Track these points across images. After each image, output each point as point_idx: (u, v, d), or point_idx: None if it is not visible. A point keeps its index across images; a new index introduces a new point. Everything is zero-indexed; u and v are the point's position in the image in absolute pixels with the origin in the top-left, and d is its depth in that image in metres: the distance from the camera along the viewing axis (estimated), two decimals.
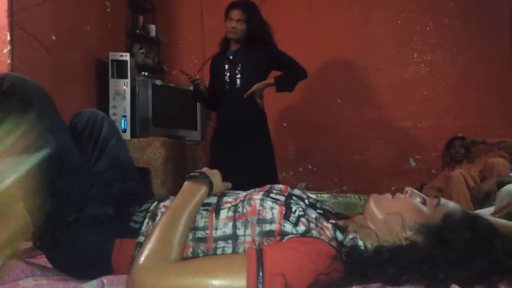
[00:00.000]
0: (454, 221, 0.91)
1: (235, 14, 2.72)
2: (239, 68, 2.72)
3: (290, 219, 0.95)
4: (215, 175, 1.10)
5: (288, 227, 0.93)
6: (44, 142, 1.08)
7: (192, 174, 1.06)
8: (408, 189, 1.02)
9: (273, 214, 0.95)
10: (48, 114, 1.14)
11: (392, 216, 0.96)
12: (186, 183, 1.04)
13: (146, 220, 1.06)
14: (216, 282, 0.79)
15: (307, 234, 0.92)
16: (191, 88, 2.93)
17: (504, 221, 1.12)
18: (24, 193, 1.13)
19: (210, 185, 1.05)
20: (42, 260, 1.24)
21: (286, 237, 0.91)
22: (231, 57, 2.77)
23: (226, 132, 2.76)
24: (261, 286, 0.78)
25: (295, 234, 0.92)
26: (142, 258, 0.84)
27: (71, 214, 1.07)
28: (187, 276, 0.80)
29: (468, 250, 0.85)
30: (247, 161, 2.64)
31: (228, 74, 2.75)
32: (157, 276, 0.81)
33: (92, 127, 1.32)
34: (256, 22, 2.75)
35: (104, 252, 1.04)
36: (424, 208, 0.97)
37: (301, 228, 0.93)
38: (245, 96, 2.63)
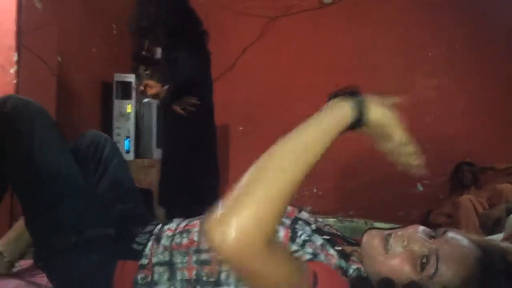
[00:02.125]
0: None
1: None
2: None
3: (296, 241, 0.93)
4: (377, 103, 0.81)
5: (295, 247, 0.91)
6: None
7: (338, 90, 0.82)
8: (405, 237, 0.86)
9: (278, 237, 0.93)
10: (51, 136, 1.14)
11: (383, 270, 0.87)
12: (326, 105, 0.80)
13: (150, 243, 1.04)
14: None
15: (316, 258, 0.89)
16: None
17: None
18: (26, 214, 1.12)
19: (358, 113, 0.78)
20: (44, 279, 1.23)
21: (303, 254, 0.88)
22: None
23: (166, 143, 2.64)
24: None
25: (305, 253, 0.89)
26: (241, 219, 0.63)
27: (72, 236, 1.06)
28: (271, 274, 0.69)
29: None
30: (185, 166, 2.44)
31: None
32: (249, 257, 0.64)
33: (95, 148, 1.33)
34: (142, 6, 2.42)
35: (105, 274, 1.02)
36: (418, 278, 0.82)
37: (309, 250, 0.90)
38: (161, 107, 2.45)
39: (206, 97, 2.51)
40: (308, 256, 0.89)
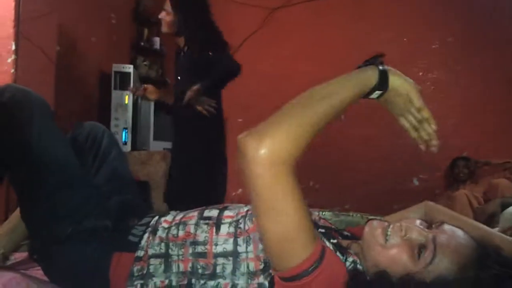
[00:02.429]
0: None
1: (166, 4, 2.45)
2: (180, 72, 2.53)
3: None
4: (399, 73, 0.91)
5: None
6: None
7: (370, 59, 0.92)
8: (403, 227, 0.89)
9: None
10: (49, 126, 1.13)
11: (383, 263, 0.87)
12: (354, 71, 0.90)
13: (147, 235, 1.04)
14: (290, 233, 0.77)
15: None
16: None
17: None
18: (22, 205, 1.12)
19: (382, 80, 0.87)
20: (38, 272, 1.22)
21: None
22: (176, 60, 2.61)
23: (175, 140, 2.64)
24: (308, 274, 0.78)
25: None
26: (275, 137, 0.74)
27: (69, 227, 1.06)
28: (287, 206, 0.77)
29: None
30: (195, 169, 2.44)
31: (177, 78, 2.58)
32: (277, 174, 0.74)
33: (93, 140, 1.32)
34: (184, 15, 2.40)
35: (101, 266, 1.02)
36: (415, 267, 0.83)
37: None
38: (182, 106, 2.39)
39: (218, 101, 2.54)
40: None
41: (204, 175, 2.45)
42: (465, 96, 3.63)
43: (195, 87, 2.36)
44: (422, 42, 3.73)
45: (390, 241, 0.88)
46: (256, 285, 0.89)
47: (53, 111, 1.18)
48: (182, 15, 2.39)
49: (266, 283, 0.88)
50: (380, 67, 0.88)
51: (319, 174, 3.80)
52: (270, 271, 0.88)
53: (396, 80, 0.89)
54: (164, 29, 2.49)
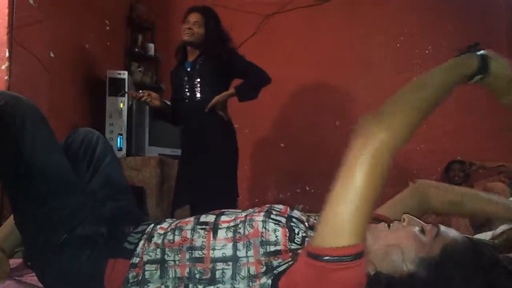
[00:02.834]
0: (453, 254, 0.86)
1: (193, 16, 2.62)
2: (197, 80, 2.61)
3: (295, 240, 0.94)
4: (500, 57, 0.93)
5: (295, 246, 0.93)
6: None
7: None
8: (406, 216, 0.95)
9: (277, 236, 0.94)
10: (42, 133, 1.12)
11: (391, 248, 0.91)
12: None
13: (142, 242, 1.04)
14: (354, 217, 0.77)
15: None
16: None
17: None
18: (16, 212, 1.11)
19: (483, 65, 0.90)
20: (33, 279, 1.23)
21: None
22: (188, 69, 2.66)
23: (188, 146, 2.66)
24: (341, 261, 0.76)
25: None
26: (390, 131, 0.81)
27: (63, 234, 1.05)
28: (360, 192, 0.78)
29: (469, 284, 0.83)
30: (209, 174, 2.51)
31: (187, 86, 2.64)
32: (384, 154, 0.81)
33: (87, 146, 1.31)
34: (214, 27, 2.65)
35: (96, 272, 1.01)
36: (424, 239, 0.89)
37: None
38: (206, 110, 2.52)
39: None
40: None
41: (222, 176, 2.56)
42: (459, 101, 3.64)
43: (226, 93, 2.56)
44: (415, 46, 3.75)
45: (393, 228, 0.94)
46: (258, 287, 0.89)
47: (45, 118, 1.15)
48: (210, 28, 2.62)
49: (270, 281, 0.87)
50: (479, 53, 0.91)
51: (314, 178, 3.80)
52: (274, 271, 0.88)
53: (497, 64, 0.91)
54: (190, 38, 2.61)
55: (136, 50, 3.91)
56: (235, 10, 3.90)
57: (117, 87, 3.07)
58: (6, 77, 2.31)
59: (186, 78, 2.65)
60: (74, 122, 2.90)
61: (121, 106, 3.05)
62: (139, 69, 3.87)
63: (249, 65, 2.65)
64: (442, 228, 0.91)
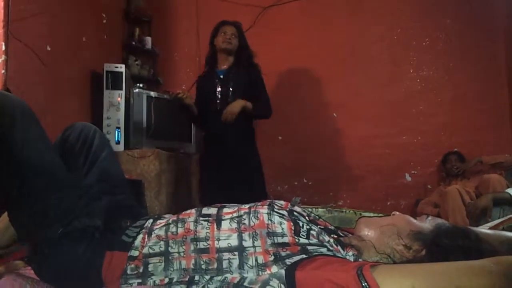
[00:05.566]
0: (446, 229, 0.98)
1: (230, 29, 2.86)
2: (232, 88, 2.78)
3: (301, 234, 0.96)
4: None
5: (302, 240, 0.95)
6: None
7: None
8: (395, 212, 1.08)
9: (283, 229, 0.97)
10: (32, 130, 1.10)
11: (386, 228, 1.01)
12: None
13: (141, 235, 1.05)
14: None
15: (321, 249, 0.94)
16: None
17: (490, 231, 1.10)
18: (10, 209, 1.11)
19: None
20: (32, 273, 1.20)
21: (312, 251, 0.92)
22: (221, 76, 2.82)
23: (218, 151, 2.80)
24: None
25: (311, 244, 0.94)
26: None
27: (59, 228, 1.06)
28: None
29: (461, 251, 0.91)
30: (240, 178, 2.71)
31: (220, 93, 2.79)
32: None
33: (84, 140, 1.31)
34: (245, 42, 2.92)
35: (94, 265, 1.02)
36: (416, 220, 1.04)
37: (314, 240, 0.95)
38: (233, 116, 2.68)
39: None
40: (324, 250, 0.93)
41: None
42: (456, 93, 3.65)
43: (249, 104, 2.72)
44: (412, 39, 3.74)
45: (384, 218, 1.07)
46: (267, 276, 0.90)
47: (34, 114, 1.13)
48: (243, 41, 2.90)
49: (283, 271, 0.88)
50: None
51: (312, 170, 3.81)
52: (286, 262, 0.89)
53: None
54: (229, 46, 2.84)
55: (133, 43, 3.89)
56: (233, 2, 3.89)
57: (114, 80, 3.07)
58: (3, 71, 2.30)
59: (218, 85, 2.80)
60: (71, 116, 2.89)
61: (119, 100, 3.04)
62: (136, 62, 3.85)
63: (264, 89, 2.89)
64: (431, 217, 1.06)
